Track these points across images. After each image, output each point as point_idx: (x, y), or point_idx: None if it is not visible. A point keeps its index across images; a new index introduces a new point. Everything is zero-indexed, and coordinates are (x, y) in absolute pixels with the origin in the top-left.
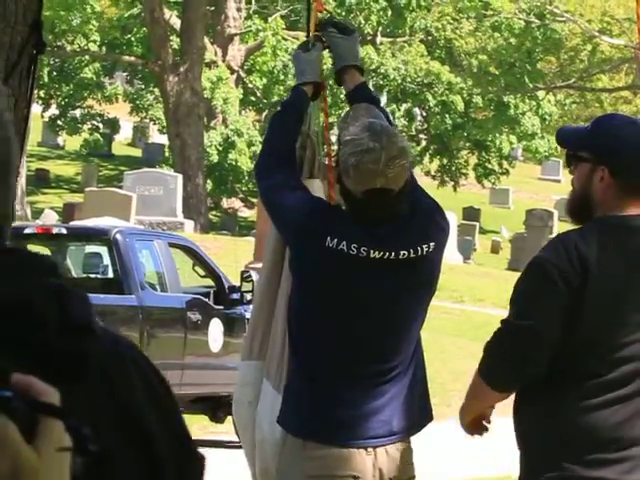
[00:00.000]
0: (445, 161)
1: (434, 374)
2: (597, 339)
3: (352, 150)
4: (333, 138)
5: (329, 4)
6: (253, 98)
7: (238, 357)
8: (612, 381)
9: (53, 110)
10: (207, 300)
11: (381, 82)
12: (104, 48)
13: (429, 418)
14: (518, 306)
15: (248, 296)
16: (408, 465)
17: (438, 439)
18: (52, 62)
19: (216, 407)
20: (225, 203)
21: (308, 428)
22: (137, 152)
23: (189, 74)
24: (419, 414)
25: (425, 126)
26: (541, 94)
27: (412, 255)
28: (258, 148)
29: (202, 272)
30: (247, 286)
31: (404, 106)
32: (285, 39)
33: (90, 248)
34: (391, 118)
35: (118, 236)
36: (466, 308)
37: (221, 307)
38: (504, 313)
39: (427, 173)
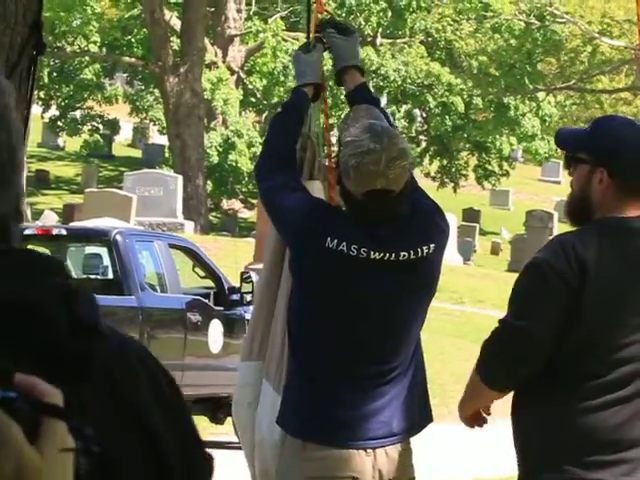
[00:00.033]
0: (445, 162)
1: (434, 375)
2: (595, 340)
3: (352, 151)
4: (333, 139)
5: (329, 5)
6: (253, 99)
7: (238, 358)
8: (611, 382)
9: (53, 111)
10: (207, 301)
11: (381, 83)
12: (104, 49)
13: (429, 419)
14: (515, 306)
15: (248, 297)
16: (408, 466)
17: (438, 440)
18: (52, 63)
19: (216, 408)
20: (225, 204)
21: (308, 429)
22: (137, 153)
23: (189, 75)
24: (419, 415)
25: (425, 127)
26: (541, 95)
27: (412, 256)
28: (258, 149)
29: (202, 273)
30: (247, 287)
31: (404, 107)
32: (285, 40)
33: (90, 249)
34: (391, 119)
35: (118, 237)
36: (466, 309)
37: (221, 308)
38: (504, 314)
39: (427, 174)
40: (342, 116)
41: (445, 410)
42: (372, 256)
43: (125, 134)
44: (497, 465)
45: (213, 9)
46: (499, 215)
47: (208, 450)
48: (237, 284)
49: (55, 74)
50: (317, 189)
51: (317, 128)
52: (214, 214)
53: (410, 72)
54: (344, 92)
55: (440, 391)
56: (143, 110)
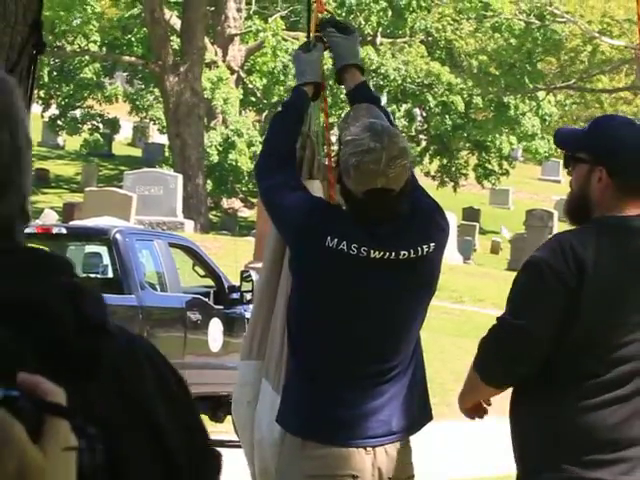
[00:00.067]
0: (445, 161)
1: (434, 374)
2: (594, 339)
3: (353, 150)
4: (333, 138)
5: (329, 5)
6: (253, 98)
7: (238, 357)
8: (610, 381)
9: (53, 110)
10: (207, 300)
11: (381, 82)
12: (104, 48)
13: (429, 418)
14: (513, 305)
15: (248, 296)
16: (407, 464)
17: (438, 439)
18: (52, 62)
19: (216, 407)
20: (225, 203)
21: (307, 428)
22: (137, 152)
23: (189, 74)
24: (418, 414)
25: (425, 127)
26: (541, 95)
27: (412, 255)
28: (258, 148)
29: (202, 272)
30: (247, 286)
31: (404, 107)
32: (285, 40)
33: (90, 248)
34: (392, 118)
35: (118, 236)
36: (466, 308)
37: (221, 307)
38: (502, 312)
39: (427, 174)
40: (342, 115)
41: (445, 409)
42: (372, 255)
43: (125, 133)
44: (497, 463)
45: (213, 8)
46: (499, 214)
47: (216, 448)
48: (237, 283)
49: (55, 73)
50: (316, 188)
51: (317, 127)
52: (214, 213)
53: (410, 71)
54: (344, 91)
55: (440, 390)
56: (143, 109)
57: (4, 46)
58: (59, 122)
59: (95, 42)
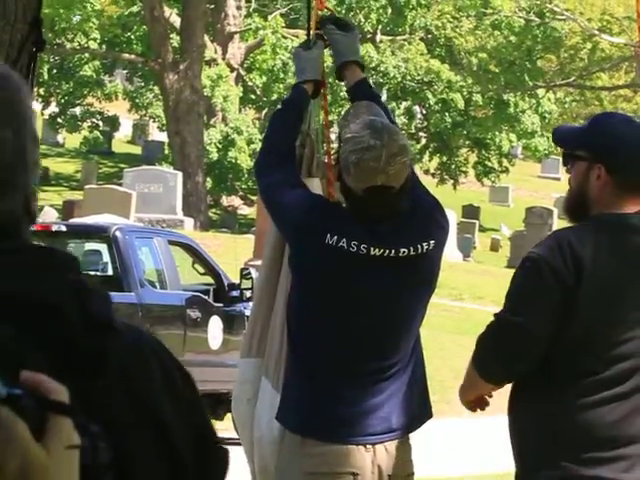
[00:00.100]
0: (445, 159)
1: (433, 372)
2: (592, 337)
3: (353, 148)
4: (333, 136)
5: (329, 2)
6: (253, 96)
7: (237, 354)
8: (609, 379)
9: (53, 108)
10: (207, 298)
11: (381, 80)
12: (104, 46)
13: (428, 415)
14: (511, 302)
15: (248, 293)
16: (407, 462)
17: (438, 436)
18: (52, 60)
19: (216, 404)
20: (225, 201)
21: (307, 425)
22: (137, 150)
23: (189, 72)
24: (418, 411)
25: (425, 124)
26: (541, 92)
27: (412, 253)
28: (258, 146)
29: (202, 270)
30: (247, 283)
31: (404, 104)
32: (285, 37)
33: (90, 245)
34: (392, 115)
35: (118, 233)
36: (466, 306)
37: (221, 304)
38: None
39: (426, 171)
40: (342, 113)
41: (445, 406)
42: (372, 252)
43: (125, 131)
44: (496, 461)
45: (213, 6)
46: (499, 212)
47: (224, 445)
48: (237, 280)
49: (55, 71)
50: (316, 186)
51: (317, 125)
52: (214, 211)
53: (410, 69)
54: (345, 88)
55: (439, 387)
56: (143, 107)
57: (4, 44)
58: (59, 120)
59: (95, 40)
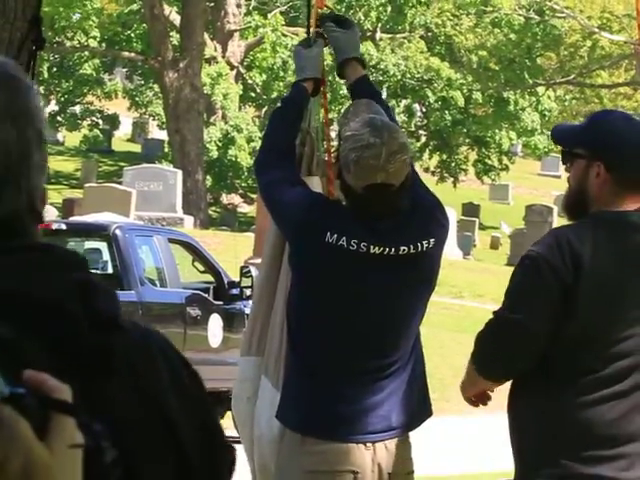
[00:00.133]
0: (445, 157)
1: (433, 369)
2: (591, 335)
3: (353, 145)
4: (333, 134)
5: (329, 0)
6: (253, 94)
7: (237, 352)
8: (608, 377)
9: (53, 106)
10: (206, 296)
11: (381, 78)
12: (104, 44)
13: (428, 413)
14: (510, 299)
15: (247, 291)
16: (407, 460)
17: (437, 434)
18: (52, 58)
19: (216, 402)
20: (225, 199)
21: (307, 423)
22: (137, 148)
23: (189, 70)
24: (418, 409)
25: (425, 122)
26: (541, 90)
27: (412, 251)
28: (258, 144)
29: (201, 268)
30: (246, 281)
31: (404, 102)
32: (285, 35)
33: (90, 244)
34: (392, 112)
35: (118, 232)
36: (465, 304)
37: (220, 302)
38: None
39: (426, 169)
40: (342, 111)
41: (445, 404)
42: (372, 250)
43: (125, 129)
44: (496, 459)
45: (212, 4)
46: (499, 209)
47: (230, 442)
48: (237, 278)
49: (55, 69)
50: (316, 184)
51: (317, 123)
52: (213, 209)
53: (410, 67)
54: (346, 85)
55: (439, 385)
56: (142, 105)
57: (3, 42)
58: (59, 118)
59: (95, 38)
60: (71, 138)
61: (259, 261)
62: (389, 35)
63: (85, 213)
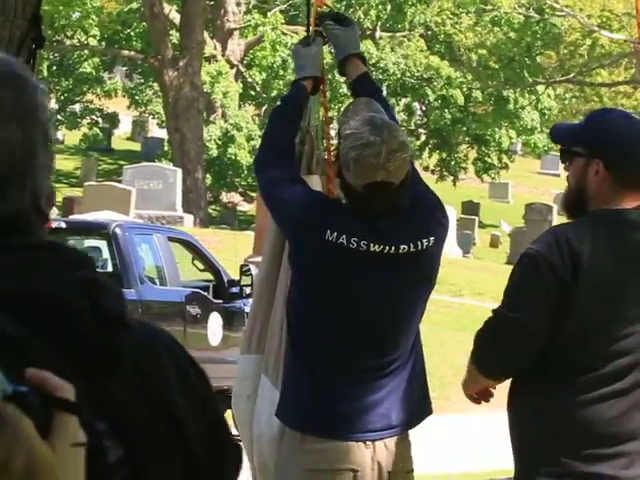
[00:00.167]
0: (444, 155)
1: (433, 368)
2: (591, 333)
3: (353, 144)
4: (332, 133)
5: None
6: (252, 92)
7: (237, 351)
8: (607, 375)
9: (52, 104)
10: (206, 294)
11: (380, 77)
12: (103, 43)
13: (428, 411)
14: (509, 298)
15: (247, 290)
16: (407, 458)
17: (438, 433)
18: (51, 57)
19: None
20: (224, 197)
21: (307, 421)
22: (136, 146)
23: (188, 68)
24: (418, 407)
25: (424, 120)
26: (540, 88)
27: (412, 249)
28: (257, 142)
29: (201, 266)
30: (246, 280)
31: (403, 101)
32: (284, 34)
33: (89, 242)
34: (392, 109)
35: (117, 230)
36: (465, 302)
37: (220, 301)
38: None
39: (426, 168)
40: (341, 109)
41: (445, 402)
42: (372, 249)
43: (124, 127)
44: (496, 457)
45: (212, 2)
46: (498, 208)
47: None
48: (236, 277)
49: (54, 68)
50: (315, 183)
51: (316, 121)
52: (213, 207)
53: (409, 65)
54: (347, 82)
55: (439, 384)
56: (142, 103)
57: (3, 40)
58: (58, 116)
59: (94, 36)
60: (71, 136)
61: (259, 259)
62: (389, 34)
63: (85, 211)
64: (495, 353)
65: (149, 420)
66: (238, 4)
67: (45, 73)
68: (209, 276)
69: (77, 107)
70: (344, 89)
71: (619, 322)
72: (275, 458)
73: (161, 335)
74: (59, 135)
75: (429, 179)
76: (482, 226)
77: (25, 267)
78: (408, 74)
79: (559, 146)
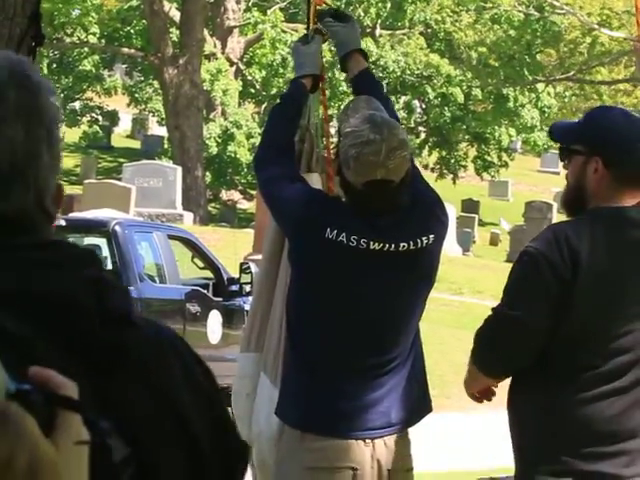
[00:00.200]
0: (444, 153)
1: (433, 366)
2: (590, 331)
3: (352, 142)
4: (332, 130)
5: None
6: (252, 90)
7: (237, 349)
8: (607, 373)
9: None
10: (206, 292)
11: (380, 74)
12: (103, 40)
13: (428, 409)
14: (508, 296)
15: (247, 288)
16: (406, 457)
17: (438, 431)
18: (51, 54)
19: None
20: (224, 195)
21: (307, 420)
22: (136, 144)
23: (188, 66)
24: (418, 405)
25: (424, 118)
26: (540, 86)
27: (412, 247)
28: (257, 140)
29: (201, 264)
30: (246, 278)
31: (403, 98)
32: (284, 31)
33: (89, 240)
34: (392, 105)
35: (117, 228)
36: (465, 300)
37: (220, 299)
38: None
39: (426, 166)
40: (341, 107)
41: (445, 400)
42: (372, 247)
43: (124, 125)
44: (496, 455)
45: (212, 0)
46: (498, 206)
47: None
48: (236, 275)
49: (54, 65)
50: (315, 181)
51: (316, 119)
52: (213, 205)
53: (409, 63)
54: (348, 78)
55: (439, 382)
56: (142, 101)
57: (3, 38)
58: None
59: (94, 34)
60: (70, 134)
61: (259, 257)
62: (389, 31)
63: (84, 209)
64: (495, 351)
65: (155, 418)
66: (238, 2)
67: (45, 71)
68: (209, 274)
69: (77, 105)
70: (344, 87)
71: (619, 320)
72: (275, 456)
73: (167, 333)
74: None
75: (429, 177)
76: (482, 224)
77: (29, 266)
78: (408, 72)
79: (558, 144)
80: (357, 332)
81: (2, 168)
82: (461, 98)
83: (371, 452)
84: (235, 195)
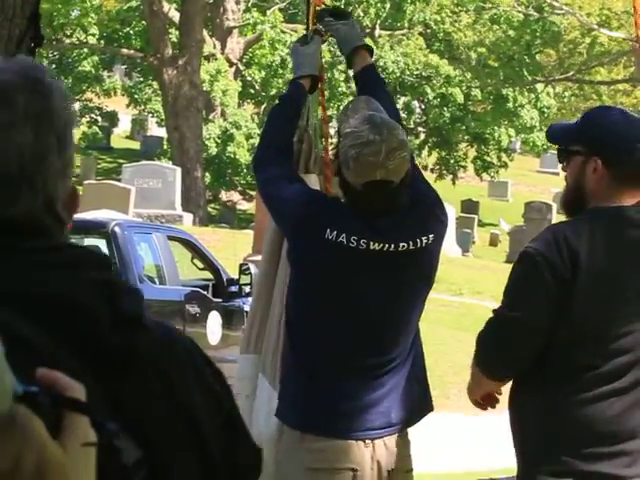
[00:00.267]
0: (444, 154)
1: (433, 366)
2: (590, 332)
3: (352, 142)
4: (331, 131)
5: None
6: (252, 91)
7: (236, 350)
8: (607, 373)
9: None
10: (206, 293)
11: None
12: (102, 41)
13: (429, 408)
14: (508, 297)
15: (246, 289)
16: (406, 457)
17: (438, 431)
18: (51, 55)
19: None
20: (224, 196)
21: (306, 420)
22: (136, 145)
23: (188, 67)
24: (418, 405)
25: (424, 119)
26: (540, 87)
27: (411, 247)
28: (256, 141)
29: (201, 265)
30: (245, 279)
31: (403, 99)
32: (283, 32)
33: (88, 241)
34: (393, 100)
35: (116, 229)
36: (465, 301)
37: (220, 300)
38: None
39: (425, 167)
40: (340, 108)
41: (445, 401)
42: (371, 247)
43: (124, 126)
44: (497, 456)
45: (212, 1)
46: (498, 206)
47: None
48: (236, 276)
49: (54, 66)
50: (313, 182)
51: (315, 120)
52: (213, 206)
53: (409, 64)
54: (352, 73)
55: (439, 382)
56: (142, 102)
57: (2, 39)
58: None
59: (93, 35)
60: None
61: (258, 258)
62: (388, 32)
63: (84, 210)
64: (497, 353)
65: (167, 420)
66: (237, 2)
67: None
68: (208, 275)
69: (76, 105)
70: (343, 88)
71: (619, 320)
72: (274, 457)
73: (178, 336)
74: None
75: (428, 178)
76: (481, 225)
77: (41, 269)
78: (407, 72)
79: (557, 146)
80: (357, 332)
81: (11, 172)
82: (460, 98)
83: (371, 453)
84: (235, 196)
